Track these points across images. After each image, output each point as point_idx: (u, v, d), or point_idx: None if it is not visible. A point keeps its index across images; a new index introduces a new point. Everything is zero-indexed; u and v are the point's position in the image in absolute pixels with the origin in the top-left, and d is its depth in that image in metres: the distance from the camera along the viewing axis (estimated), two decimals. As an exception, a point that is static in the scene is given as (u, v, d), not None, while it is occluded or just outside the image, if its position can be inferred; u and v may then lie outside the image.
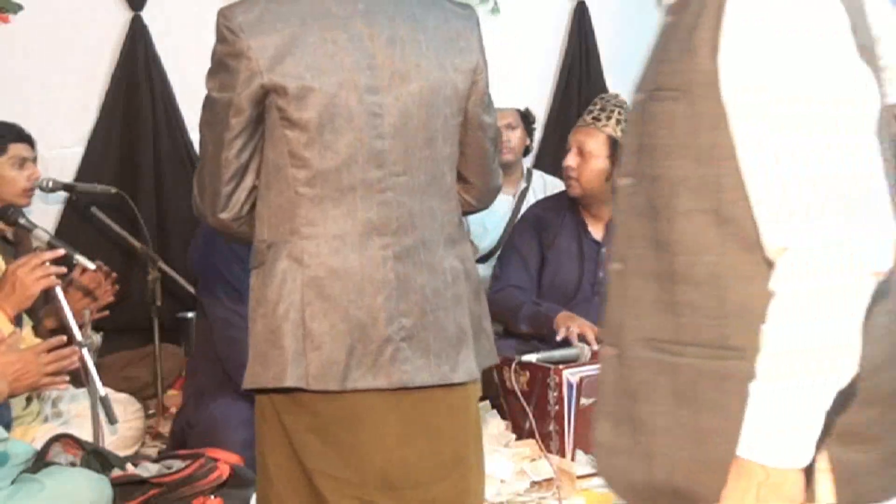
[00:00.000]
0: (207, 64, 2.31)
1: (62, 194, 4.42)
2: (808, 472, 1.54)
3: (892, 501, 1.64)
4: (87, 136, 4.63)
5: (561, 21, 5.64)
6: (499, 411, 3.67)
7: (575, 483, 3.31)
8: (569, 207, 4.11)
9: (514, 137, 4.78)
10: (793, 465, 1.50)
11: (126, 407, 3.72)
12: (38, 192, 4.04)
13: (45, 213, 4.36)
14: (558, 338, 3.75)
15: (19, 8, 4.41)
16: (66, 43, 4.51)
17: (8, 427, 3.21)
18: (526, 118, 4.87)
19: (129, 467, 3.11)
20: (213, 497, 3.03)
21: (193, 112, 2.40)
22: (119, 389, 3.81)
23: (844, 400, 1.53)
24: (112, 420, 3.10)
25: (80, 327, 3.16)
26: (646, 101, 1.66)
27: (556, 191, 4.51)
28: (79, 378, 3.15)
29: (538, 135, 5.33)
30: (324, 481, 2.29)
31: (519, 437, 3.57)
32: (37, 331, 3.59)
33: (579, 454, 3.45)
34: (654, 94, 1.63)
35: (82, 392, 3.39)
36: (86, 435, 3.20)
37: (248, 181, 2.31)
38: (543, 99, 5.55)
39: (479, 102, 2.41)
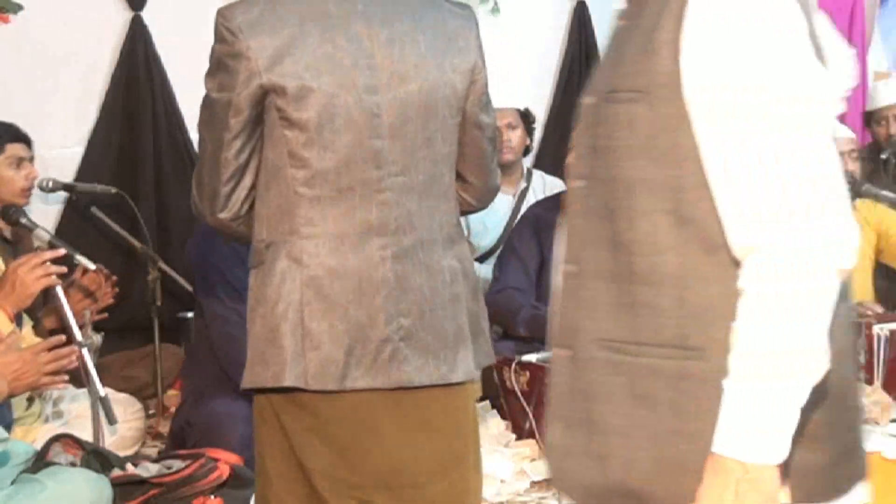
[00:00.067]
0: (207, 64, 2.31)
1: (62, 194, 4.42)
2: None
3: (841, 500, 1.65)
4: (87, 136, 4.63)
5: (561, 21, 5.64)
6: (499, 411, 3.67)
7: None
8: (569, 207, 4.10)
9: (514, 137, 4.78)
10: (770, 461, 1.51)
11: (126, 407, 3.72)
12: (38, 192, 4.04)
13: (45, 213, 4.35)
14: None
15: (19, 8, 4.41)
16: (66, 43, 4.51)
17: (9, 428, 3.21)
18: (526, 118, 4.87)
19: (129, 467, 3.10)
20: (213, 497, 3.02)
21: (193, 112, 2.41)
22: (119, 389, 3.81)
23: None
24: (112, 420, 3.10)
25: (81, 327, 3.16)
26: (599, 103, 1.65)
27: (556, 191, 4.51)
28: (79, 378, 3.15)
29: (538, 135, 5.33)
30: (322, 481, 2.29)
31: (519, 437, 3.56)
32: (37, 330, 3.59)
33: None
34: (609, 97, 1.63)
35: (83, 392, 3.39)
36: (86, 435, 3.20)
37: (247, 181, 2.31)
38: (543, 99, 5.55)
39: (477, 102, 2.42)
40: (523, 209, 4.60)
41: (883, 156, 5.06)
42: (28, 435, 3.44)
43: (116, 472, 3.06)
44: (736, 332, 1.51)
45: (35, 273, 3.20)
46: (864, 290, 4.42)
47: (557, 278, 1.74)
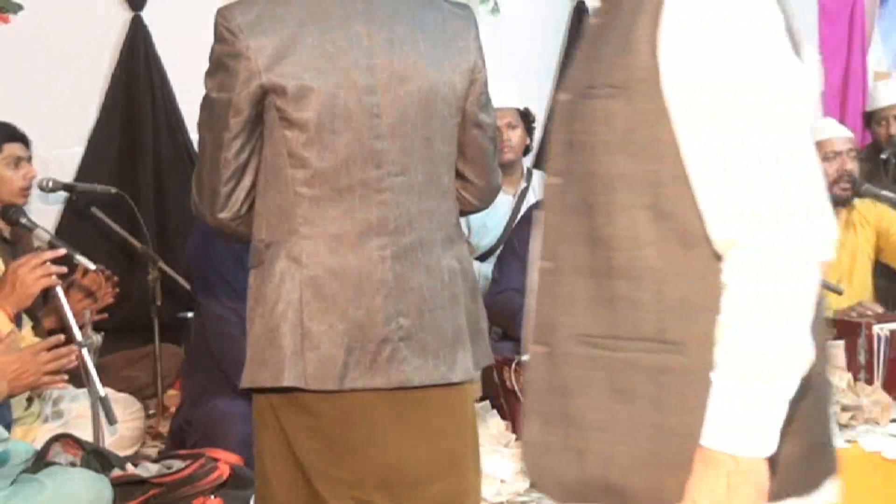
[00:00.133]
0: (207, 64, 2.31)
1: (62, 194, 4.41)
2: None
3: (812, 495, 1.65)
4: (87, 136, 4.63)
5: (561, 21, 5.64)
6: (499, 411, 3.67)
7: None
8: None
9: (515, 137, 4.78)
10: (761, 454, 1.52)
11: (126, 407, 3.71)
12: (38, 192, 4.04)
13: (45, 213, 4.35)
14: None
15: (19, 8, 4.41)
16: (66, 43, 4.50)
17: (9, 428, 3.21)
18: (526, 117, 4.87)
19: (129, 467, 3.10)
20: (213, 497, 3.02)
21: (193, 112, 2.41)
22: (119, 389, 3.81)
23: None
24: (111, 420, 3.10)
25: (81, 327, 3.16)
26: (575, 100, 1.66)
27: (556, 190, 4.49)
28: (79, 378, 3.15)
29: (538, 134, 5.32)
30: (321, 481, 2.29)
31: (519, 437, 3.56)
32: (36, 331, 3.59)
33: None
34: (586, 93, 1.63)
35: (82, 392, 3.39)
36: (86, 435, 3.19)
37: (247, 181, 2.31)
38: (543, 99, 5.54)
39: (477, 102, 2.42)
40: (523, 209, 4.61)
41: (883, 156, 5.06)
42: (28, 435, 3.44)
43: (116, 472, 3.06)
44: (721, 327, 1.52)
45: (35, 273, 3.19)
46: (864, 290, 4.42)
47: (533, 276, 1.74)
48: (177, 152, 4.71)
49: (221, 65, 2.26)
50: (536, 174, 4.94)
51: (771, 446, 1.52)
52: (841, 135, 4.43)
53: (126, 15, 4.64)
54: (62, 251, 3.35)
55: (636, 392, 1.59)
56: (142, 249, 4.20)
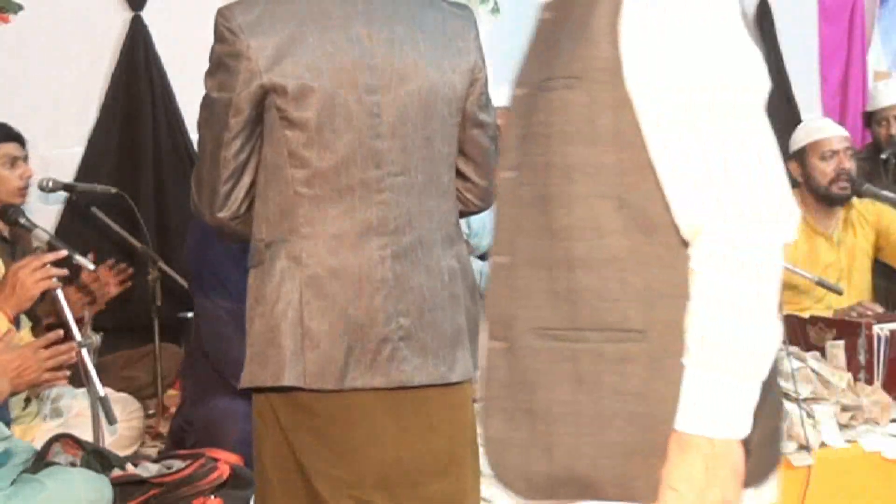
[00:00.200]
0: (207, 64, 2.31)
1: (62, 194, 4.41)
2: None
3: (761, 488, 1.65)
4: (87, 136, 4.63)
5: (561, 21, 5.64)
6: (499, 411, 3.66)
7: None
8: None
9: (514, 137, 4.77)
10: (735, 436, 1.53)
11: (125, 407, 3.71)
12: (38, 192, 4.04)
13: (45, 213, 4.35)
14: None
15: (19, 8, 4.42)
16: (66, 43, 4.51)
17: (7, 427, 3.21)
18: (526, 118, 4.86)
19: (129, 467, 3.10)
20: (213, 497, 3.02)
21: (193, 112, 2.41)
22: (119, 389, 3.81)
23: None
24: (111, 420, 3.10)
25: (80, 326, 3.16)
26: (532, 93, 1.66)
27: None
28: (78, 378, 3.15)
29: (538, 134, 5.33)
30: (321, 480, 2.29)
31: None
32: (35, 331, 3.58)
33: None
34: (542, 85, 1.63)
35: (82, 392, 3.39)
36: (86, 435, 3.19)
37: (247, 180, 2.31)
38: (543, 99, 5.55)
39: (477, 102, 2.42)
40: (523, 209, 4.59)
41: (883, 156, 5.06)
42: (27, 434, 3.44)
43: (116, 472, 3.06)
44: (691, 315, 1.53)
45: (36, 276, 3.19)
46: (863, 290, 4.42)
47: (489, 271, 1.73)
48: (177, 152, 4.71)
49: (222, 64, 2.26)
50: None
51: (745, 428, 1.53)
52: (838, 133, 4.43)
53: (126, 15, 4.65)
54: (63, 253, 3.35)
55: (600, 382, 1.59)
56: (142, 249, 4.20)
